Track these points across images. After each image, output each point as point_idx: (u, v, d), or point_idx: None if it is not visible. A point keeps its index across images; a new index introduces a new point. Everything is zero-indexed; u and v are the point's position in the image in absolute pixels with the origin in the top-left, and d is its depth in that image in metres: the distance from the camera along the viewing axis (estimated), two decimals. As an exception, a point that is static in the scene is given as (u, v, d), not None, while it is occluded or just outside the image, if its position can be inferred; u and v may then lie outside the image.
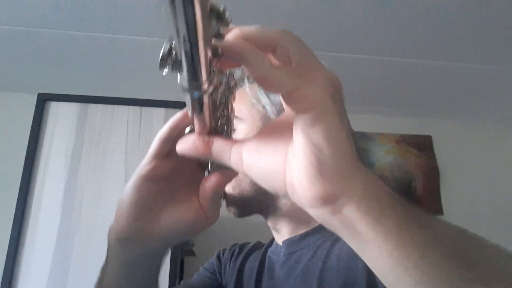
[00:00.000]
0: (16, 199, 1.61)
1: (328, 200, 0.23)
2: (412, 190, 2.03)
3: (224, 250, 0.73)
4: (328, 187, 0.22)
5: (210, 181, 0.33)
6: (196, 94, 0.23)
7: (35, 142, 1.70)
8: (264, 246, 0.67)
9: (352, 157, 0.23)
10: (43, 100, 1.78)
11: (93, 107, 1.81)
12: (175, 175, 0.36)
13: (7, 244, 1.54)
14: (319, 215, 0.24)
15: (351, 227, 0.23)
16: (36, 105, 1.76)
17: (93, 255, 1.51)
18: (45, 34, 1.45)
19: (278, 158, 0.24)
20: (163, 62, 0.21)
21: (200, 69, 0.21)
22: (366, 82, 1.83)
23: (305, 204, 0.24)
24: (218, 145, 0.27)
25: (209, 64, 0.21)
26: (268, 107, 0.56)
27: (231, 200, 0.58)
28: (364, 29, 1.45)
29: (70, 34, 1.45)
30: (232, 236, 0.75)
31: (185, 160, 0.34)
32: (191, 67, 0.21)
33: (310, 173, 0.22)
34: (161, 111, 1.81)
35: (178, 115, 0.33)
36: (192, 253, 1.65)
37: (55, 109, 1.79)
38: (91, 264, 1.51)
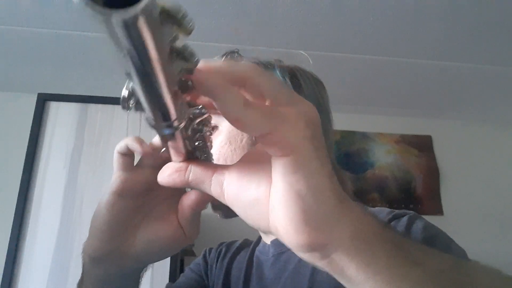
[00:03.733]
0: (16, 199, 1.61)
1: (315, 248, 0.22)
2: (412, 190, 2.03)
3: (210, 250, 0.71)
4: (314, 236, 0.21)
5: (190, 199, 0.31)
6: (166, 131, 0.22)
7: (35, 142, 1.70)
8: (252, 244, 0.66)
9: (337, 201, 0.22)
10: (43, 100, 1.78)
11: (93, 107, 1.81)
12: (151, 190, 0.34)
13: (7, 244, 1.54)
14: (307, 259, 0.23)
15: (340, 271, 0.22)
16: (36, 105, 1.76)
17: (93, 255, 1.51)
18: (45, 34, 1.45)
19: (262, 195, 0.23)
20: (125, 104, 0.20)
21: (167, 110, 0.19)
22: (366, 82, 1.83)
23: (291, 247, 0.23)
24: (196, 175, 0.26)
25: (177, 102, 0.20)
26: None
27: (216, 202, 0.57)
28: (364, 29, 1.45)
29: (70, 34, 1.45)
30: (232, 236, 0.75)
31: None
32: (155, 111, 0.20)
33: (295, 222, 0.21)
34: (161, 111, 1.81)
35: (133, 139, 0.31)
36: (192, 253, 1.65)
37: (55, 109, 1.79)
38: (91, 264, 1.51)
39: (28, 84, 1.78)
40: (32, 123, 1.73)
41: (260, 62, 0.57)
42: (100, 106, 1.81)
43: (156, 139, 0.32)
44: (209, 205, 0.44)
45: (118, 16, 0.13)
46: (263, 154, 0.24)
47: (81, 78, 1.75)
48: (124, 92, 0.20)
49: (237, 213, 0.25)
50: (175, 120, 0.21)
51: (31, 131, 1.71)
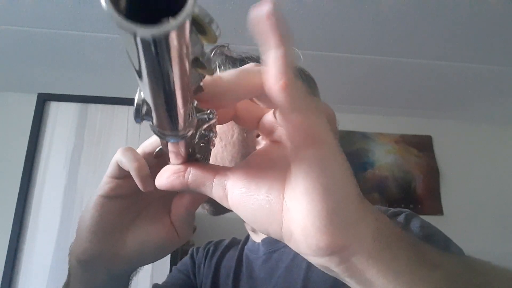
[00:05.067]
0: (16, 199, 1.61)
1: (337, 250, 0.20)
2: (412, 190, 2.03)
3: (198, 249, 0.70)
4: (337, 236, 0.20)
5: (184, 199, 0.30)
6: (173, 140, 0.20)
7: (35, 142, 1.70)
8: (240, 243, 0.65)
9: (360, 198, 0.21)
10: (43, 100, 1.78)
11: (93, 107, 1.81)
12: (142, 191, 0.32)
13: (7, 244, 1.54)
14: (322, 263, 0.21)
15: (359, 275, 0.21)
16: (36, 105, 1.76)
17: (93, 255, 1.51)
18: (45, 34, 1.45)
19: (274, 200, 0.21)
20: (139, 115, 0.19)
21: (177, 121, 0.18)
22: (366, 82, 1.83)
23: (307, 252, 0.21)
24: (196, 177, 0.24)
25: (187, 111, 0.19)
26: None
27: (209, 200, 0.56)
28: (364, 29, 1.45)
29: (70, 34, 1.45)
30: (232, 235, 0.75)
31: (153, 173, 0.31)
32: (165, 122, 0.18)
33: (319, 220, 0.20)
34: (161, 111, 1.81)
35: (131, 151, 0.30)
36: (192, 253, 1.65)
37: (55, 109, 1.79)
38: (91, 264, 1.51)
39: (28, 84, 1.78)
40: (32, 123, 1.73)
41: (252, 57, 0.56)
42: (100, 106, 1.81)
43: (146, 145, 0.31)
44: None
45: (146, 32, 0.11)
46: (272, 155, 0.24)
47: (81, 78, 1.75)
48: (137, 103, 0.18)
49: (243, 218, 0.24)
50: (181, 129, 0.20)
51: (31, 131, 1.71)
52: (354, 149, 2.06)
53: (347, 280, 0.22)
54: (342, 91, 1.89)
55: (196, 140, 0.24)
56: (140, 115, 0.19)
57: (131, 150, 0.30)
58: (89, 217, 0.31)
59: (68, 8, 1.31)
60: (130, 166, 0.29)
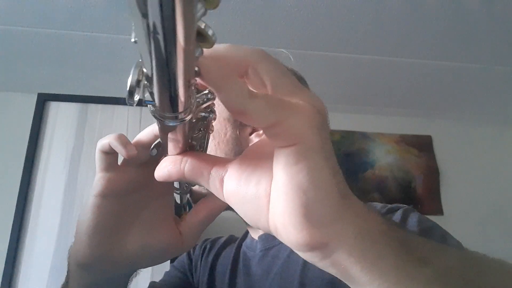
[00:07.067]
0: (16, 199, 1.61)
1: (316, 246, 0.20)
2: (412, 190, 2.02)
3: (194, 247, 0.70)
4: (315, 234, 0.20)
5: (201, 212, 0.31)
6: (172, 123, 0.20)
7: (35, 142, 1.70)
8: (238, 240, 0.64)
9: (340, 196, 0.20)
10: (43, 100, 1.78)
11: (93, 107, 1.81)
12: (139, 189, 0.32)
13: (7, 244, 1.54)
14: (308, 258, 0.21)
15: (344, 271, 0.21)
16: (36, 105, 1.76)
17: (93, 255, 1.51)
18: (45, 34, 1.45)
19: (261, 193, 0.21)
20: (132, 96, 0.18)
21: (178, 100, 0.18)
22: (366, 82, 1.82)
23: (291, 247, 0.21)
24: (193, 166, 0.24)
25: (188, 90, 0.18)
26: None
27: (199, 197, 0.56)
28: (364, 29, 1.45)
29: (70, 34, 1.45)
30: (229, 233, 0.75)
31: (148, 169, 0.31)
32: (166, 101, 0.18)
33: (294, 218, 0.19)
34: (161, 111, 1.81)
35: (116, 136, 0.29)
36: (192, 253, 1.65)
37: (55, 109, 1.79)
38: (91, 264, 1.51)
39: (28, 84, 1.78)
40: (32, 123, 1.73)
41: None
42: (100, 106, 1.81)
43: (142, 135, 0.30)
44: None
45: None
46: (264, 148, 0.23)
47: (81, 78, 1.75)
48: (131, 83, 0.17)
49: (235, 210, 0.23)
50: (182, 112, 0.19)
51: (31, 131, 1.71)
52: (354, 149, 2.06)
53: (336, 276, 0.22)
54: (342, 91, 1.89)
55: (194, 121, 0.23)
56: (132, 97, 0.18)
57: (108, 136, 0.30)
58: (86, 220, 0.30)
59: (68, 8, 1.31)
60: (110, 140, 0.29)
